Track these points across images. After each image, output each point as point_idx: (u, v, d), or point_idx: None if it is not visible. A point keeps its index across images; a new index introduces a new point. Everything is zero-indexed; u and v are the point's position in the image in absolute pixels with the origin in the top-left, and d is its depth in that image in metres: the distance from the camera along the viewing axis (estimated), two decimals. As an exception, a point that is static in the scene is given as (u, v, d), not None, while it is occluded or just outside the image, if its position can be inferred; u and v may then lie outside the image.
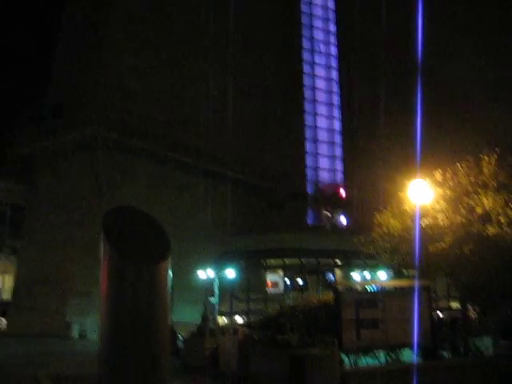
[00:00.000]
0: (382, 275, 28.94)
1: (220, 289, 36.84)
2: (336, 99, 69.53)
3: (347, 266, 43.59)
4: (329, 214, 62.42)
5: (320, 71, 69.59)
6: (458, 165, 17.18)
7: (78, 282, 41.51)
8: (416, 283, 15.36)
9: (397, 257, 17.99)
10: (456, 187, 16.86)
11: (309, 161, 65.96)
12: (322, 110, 68.43)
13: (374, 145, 58.39)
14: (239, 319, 39.66)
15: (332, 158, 67.78)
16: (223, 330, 21.24)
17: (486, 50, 62.99)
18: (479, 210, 16.02)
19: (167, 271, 5.99)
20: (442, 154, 20.82)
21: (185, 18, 52.33)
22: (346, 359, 14.01)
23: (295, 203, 60.38)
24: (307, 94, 67.72)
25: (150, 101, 48.80)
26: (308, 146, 66.25)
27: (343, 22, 69.46)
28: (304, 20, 69.77)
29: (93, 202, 42.51)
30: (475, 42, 63.20)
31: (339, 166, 68.09)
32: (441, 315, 21.13)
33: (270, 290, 45.10)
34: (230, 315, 40.62)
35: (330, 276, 44.94)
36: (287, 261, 44.73)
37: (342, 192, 66.20)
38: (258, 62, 59.04)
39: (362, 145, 61.41)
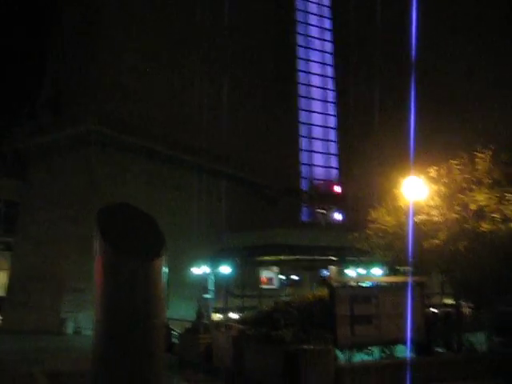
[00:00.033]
0: (377, 271, 29.06)
1: (215, 285, 36.93)
2: (331, 96, 69.57)
3: (342, 263, 43.68)
4: (323, 212, 62.49)
5: (315, 68, 69.59)
6: (453, 161, 17.22)
7: (72, 279, 41.43)
8: (410, 279, 15.43)
9: (391, 253, 18.04)
10: (450, 184, 16.90)
11: (303, 157, 66.00)
12: (316, 106, 68.46)
13: (368, 142, 58.47)
14: (234, 315, 39.72)
15: (327, 154, 67.85)
16: (218, 325, 21.26)
17: (481, 47, 63.15)
18: (473, 207, 16.07)
19: (162, 268, 6.00)
20: (436, 150, 20.87)
21: (178, 12, 52.19)
22: (340, 355, 14.05)
23: (290, 200, 60.43)
24: (302, 90, 67.72)
25: (145, 98, 48.70)
26: (303, 143, 66.29)
27: (338, 18, 69.46)
28: (299, 17, 69.72)
29: (87, 199, 42.39)
30: (471, 39, 63.37)
31: (334, 162, 68.18)
32: (435, 311, 21.19)
33: (264, 286, 45.20)
34: (224, 311, 40.64)
35: (325, 272, 45.05)
36: (282, 257, 44.80)
37: (337, 189, 66.30)
38: (252, 58, 58.98)
39: (356, 142, 61.47)
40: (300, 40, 69.23)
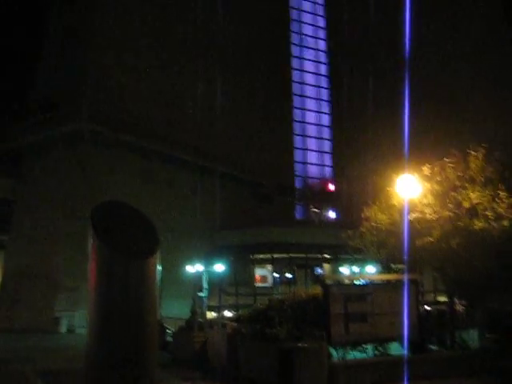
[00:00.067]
0: (370, 269, 29.11)
1: (209, 283, 36.81)
2: (325, 94, 69.62)
3: (335, 260, 43.81)
4: (317, 211, 62.57)
5: (309, 66, 69.62)
6: (446, 160, 17.27)
7: (66, 277, 41.34)
8: (403, 277, 15.47)
9: (384, 251, 18.08)
10: (444, 182, 16.95)
11: (297, 155, 66.05)
12: (311, 104, 68.51)
13: (362, 140, 58.57)
14: (228, 313, 39.73)
15: (321, 152, 67.91)
16: (212, 324, 21.28)
17: (475, 46, 63.36)
18: (466, 205, 16.12)
19: (156, 266, 6.00)
20: (430, 149, 20.94)
21: (171, 9, 52.11)
22: (334, 353, 14.09)
23: (284, 198, 60.49)
24: (296, 88, 67.74)
25: (138, 96, 48.66)
26: (297, 141, 66.33)
27: (332, 16, 69.49)
28: (293, 15, 69.71)
29: (81, 196, 42.28)
30: (466, 37, 63.56)
31: (328, 160, 68.26)
32: (428, 308, 21.27)
33: (258, 284, 45.24)
34: (218, 309, 40.65)
35: (319, 270, 45.14)
36: (276, 255, 44.90)
37: (331, 187, 66.39)
38: (246, 56, 58.93)
39: (350, 140, 61.57)
40: (294, 38, 69.23)
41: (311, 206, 63.37)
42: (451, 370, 14.59)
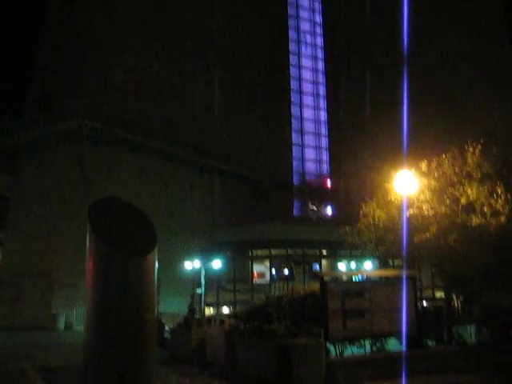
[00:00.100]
0: (368, 265, 29.20)
1: (206, 280, 36.90)
2: (322, 90, 69.52)
3: (333, 257, 43.89)
4: (315, 208, 62.57)
5: (306, 62, 69.50)
6: (443, 155, 17.29)
7: (63, 274, 41.34)
8: (401, 273, 15.50)
9: (382, 247, 18.11)
10: (441, 178, 16.98)
11: (295, 152, 66.00)
12: (308, 100, 68.42)
13: (360, 136, 58.59)
14: (226, 310, 39.80)
15: (318, 148, 67.87)
16: (210, 320, 21.29)
17: (473, 42, 63.38)
18: (464, 201, 16.15)
19: (154, 263, 6.01)
20: (427, 144, 20.96)
21: (168, 8, 51.98)
22: (332, 349, 14.12)
23: (281, 194, 60.48)
24: (293, 84, 67.63)
25: (136, 93, 48.56)
26: (294, 137, 66.27)
27: (329, 12, 69.38)
28: (290, 11, 69.56)
29: (78, 193, 42.26)
30: (463, 34, 63.59)
31: (325, 156, 68.22)
32: (425, 304, 21.35)
33: (256, 280, 45.28)
34: (216, 306, 40.74)
35: (317, 266, 45.20)
36: (273, 251, 44.92)
37: (328, 183, 66.40)
38: (244, 53, 58.85)
39: (348, 136, 61.58)
40: (292, 34, 69.09)
41: (309, 204, 63.37)
42: (449, 366, 14.63)
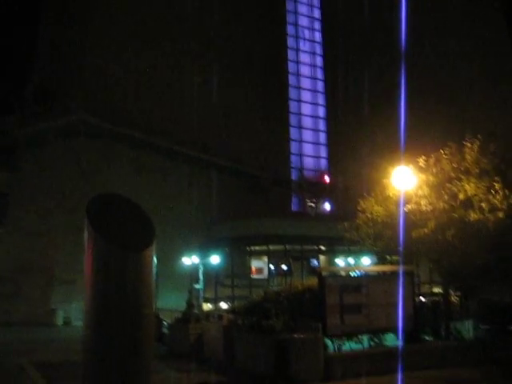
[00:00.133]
0: (366, 261, 29.23)
1: (205, 275, 36.97)
2: (321, 86, 69.42)
3: (331, 252, 43.90)
4: (313, 205, 62.56)
5: (305, 58, 69.37)
6: (441, 151, 17.30)
7: (62, 269, 41.39)
8: (399, 268, 15.54)
9: (380, 243, 18.14)
10: (439, 173, 16.98)
11: (293, 147, 65.92)
12: (306, 96, 68.32)
13: (358, 131, 58.56)
14: (224, 305, 39.84)
15: (316, 144, 67.82)
16: (208, 316, 21.34)
17: (472, 40, 63.34)
18: (461, 196, 16.16)
19: (152, 258, 6.02)
20: (425, 140, 20.95)
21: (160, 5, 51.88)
22: (329, 344, 14.17)
23: (279, 190, 60.46)
24: (292, 80, 67.50)
25: (135, 89, 48.50)
26: (292, 133, 66.19)
27: (328, 7, 69.20)
28: (289, 6, 69.38)
29: (77, 189, 42.25)
30: (463, 32, 63.52)
31: (324, 152, 68.17)
32: (423, 299, 21.39)
33: (254, 276, 45.31)
34: (214, 301, 40.75)
35: (315, 262, 45.23)
36: (271, 247, 44.90)
37: (327, 179, 66.38)
38: (242, 48, 58.72)
39: (346, 131, 61.51)
40: (290, 29, 68.94)
41: (307, 200, 63.35)
42: (446, 361, 14.70)
